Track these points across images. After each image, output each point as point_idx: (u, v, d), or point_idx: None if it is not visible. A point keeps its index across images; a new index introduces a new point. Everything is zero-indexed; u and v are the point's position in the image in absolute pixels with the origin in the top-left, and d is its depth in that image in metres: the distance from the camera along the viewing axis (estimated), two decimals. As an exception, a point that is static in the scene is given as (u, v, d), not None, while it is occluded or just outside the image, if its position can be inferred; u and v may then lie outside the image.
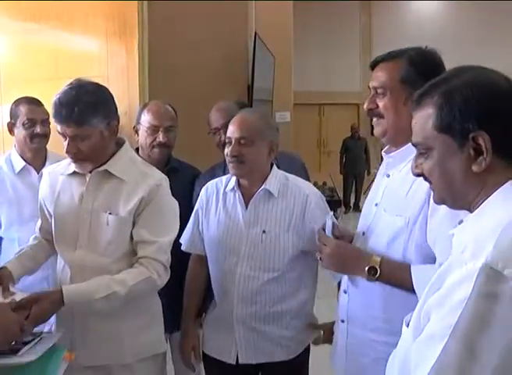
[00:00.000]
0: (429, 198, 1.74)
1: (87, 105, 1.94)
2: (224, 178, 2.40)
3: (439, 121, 1.19)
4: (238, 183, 2.31)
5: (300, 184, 2.33)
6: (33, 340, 1.79)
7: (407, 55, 1.86)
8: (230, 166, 2.24)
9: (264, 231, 2.25)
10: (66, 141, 1.98)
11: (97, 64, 3.23)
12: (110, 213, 2.06)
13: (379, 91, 1.87)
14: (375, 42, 10.75)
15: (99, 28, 3.21)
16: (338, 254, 1.95)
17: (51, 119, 2.04)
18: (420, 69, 1.82)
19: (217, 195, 2.37)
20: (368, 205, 2.06)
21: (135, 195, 2.06)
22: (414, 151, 1.82)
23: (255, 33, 5.35)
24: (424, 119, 1.22)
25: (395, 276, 1.83)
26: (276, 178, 2.30)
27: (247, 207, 2.29)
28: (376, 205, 1.98)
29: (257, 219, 2.27)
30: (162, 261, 2.04)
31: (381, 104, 1.87)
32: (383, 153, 2.03)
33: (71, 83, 1.99)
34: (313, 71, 10.92)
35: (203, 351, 2.43)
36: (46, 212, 2.22)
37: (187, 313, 2.41)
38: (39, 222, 2.28)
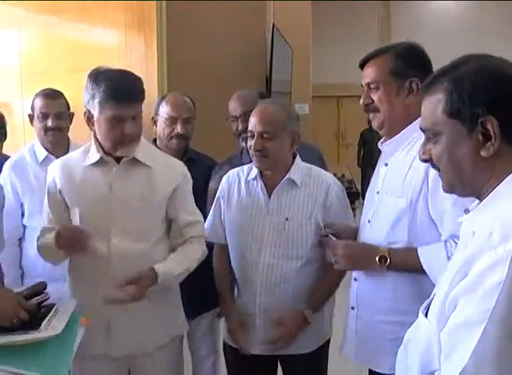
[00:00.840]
0: (427, 177, 1.84)
1: (139, 86, 2.01)
2: (245, 167, 2.41)
3: (448, 106, 1.20)
4: (260, 173, 2.32)
5: (323, 175, 2.36)
6: (49, 312, 1.80)
7: (393, 49, 1.98)
8: (254, 160, 2.26)
9: (287, 219, 2.26)
10: (128, 123, 2.00)
11: (116, 56, 3.25)
12: (143, 200, 2.11)
13: (372, 86, 1.97)
14: (394, 37, 10.66)
15: (118, 21, 3.23)
16: (350, 253, 2.02)
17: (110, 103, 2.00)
18: (407, 60, 1.93)
19: (239, 184, 2.38)
20: (369, 194, 2.14)
21: (166, 183, 2.14)
22: (408, 138, 1.93)
23: (273, 25, 5.34)
24: (433, 104, 1.24)
25: (405, 261, 1.92)
26: (300, 168, 2.32)
27: (269, 196, 2.30)
28: (378, 193, 2.05)
29: (281, 208, 2.29)
30: (206, 237, 2.26)
31: (375, 98, 1.97)
32: (379, 144, 2.10)
33: (99, 71, 2.01)
34: (331, 64, 10.88)
35: (223, 341, 2.45)
36: (62, 205, 2.18)
37: (224, 294, 2.40)
38: (47, 217, 2.22)
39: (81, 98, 3.10)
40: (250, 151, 2.25)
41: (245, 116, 2.73)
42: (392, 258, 1.92)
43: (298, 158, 2.35)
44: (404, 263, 1.93)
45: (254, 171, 2.34)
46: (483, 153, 1.17)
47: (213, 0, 3.98)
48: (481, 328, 1.02)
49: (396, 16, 10.64)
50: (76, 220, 2.11)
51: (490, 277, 1.04)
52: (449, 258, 1.81)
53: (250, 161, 2.43)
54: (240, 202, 2.35)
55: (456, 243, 1.80)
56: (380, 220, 2.02)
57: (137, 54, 3.19)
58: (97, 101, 1.99)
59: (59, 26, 3.41)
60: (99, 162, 2.13)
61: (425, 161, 1.32)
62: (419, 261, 1.88)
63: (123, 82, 1.97)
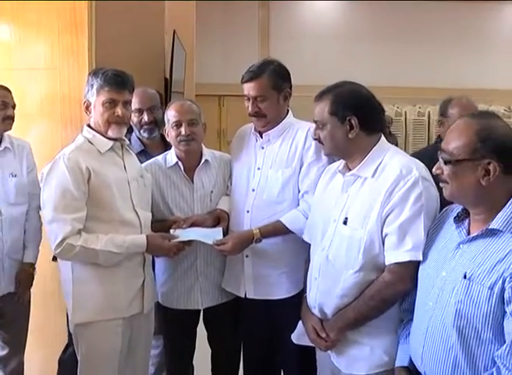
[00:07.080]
0: (302, 155, 2.66)
1: (130, 78, 2.60)
2: (159, 158, 2.92)
3: (331, 109, 2.18)
4: (178, 160, 2.83)
5: (222, 153, 3.02)
6: None
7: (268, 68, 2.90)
8: (183, 144, 2.77)
9: (212, 191, 2.83)
10: (119, 107, 2.52)
11: (50, 57, 3.53)
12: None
13: (259, 99, 2.85)
14: (272, 38, 11.32)
15: (51, 25, 3.49)
16: (237, 249, 2.67)
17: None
18: (281, 75, 2.86)
19: (160, 171, 2.87)
20: (248, 171, 2.82)
21: None
22: (283, 130, 2.78)
23: (174, 31, 5.73)
24: (323, 107, 2.20)
25: (274, 231, 2.67)
26: (207, 150, 2.91)
27: (190, 177, 2.82)
28: (259, 169, 2.75)
29: (203, 184, 2.84)
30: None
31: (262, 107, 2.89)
32: (254, 134, 2.87)
33: (97, 68, 2.60)
34: (213, 64, 11.34)
35: (160, 304, 2.90)
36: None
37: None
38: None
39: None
40: (179, 138, 2.76)
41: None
42: (264, 235, 2.63)
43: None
44: (274, 233, 2.66)
45: (172, 159, 2.84)
46: (350, 135, 2.18)
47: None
48: (421, 219, 2.00)
49: (275, 17, 11.25)
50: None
51: (413, 191, 1.94)
52: (304, 215, 2.59)
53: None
54: (167, 186, 2.83)
55: (304, 199, 2.60)
56: (269, 187, 2.69)
57: (70, 56, 3.45)
58: (95, 88, 2.48)
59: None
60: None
61: (316, 139, 2.28)
62: (285, 227, 2.62)
63: (117, 73, 2.49)
